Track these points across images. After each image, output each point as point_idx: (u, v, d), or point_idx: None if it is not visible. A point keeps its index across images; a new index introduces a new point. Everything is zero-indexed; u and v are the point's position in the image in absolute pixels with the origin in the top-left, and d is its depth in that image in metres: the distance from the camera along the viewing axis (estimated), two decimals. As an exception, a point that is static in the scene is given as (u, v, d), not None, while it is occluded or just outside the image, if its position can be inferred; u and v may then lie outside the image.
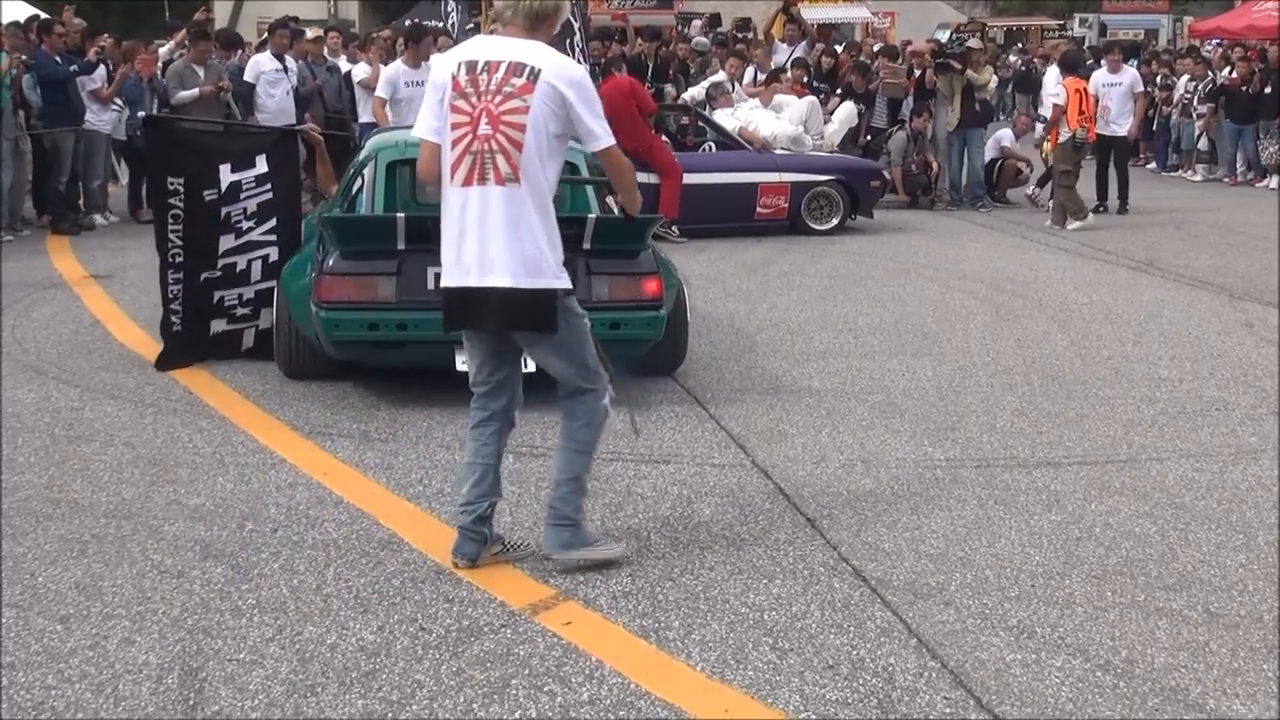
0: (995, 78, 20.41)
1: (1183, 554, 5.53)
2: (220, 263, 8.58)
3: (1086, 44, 26.95)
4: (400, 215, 7.55)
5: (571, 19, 17.02)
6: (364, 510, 5.95)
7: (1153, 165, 23.00)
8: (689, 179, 14.01)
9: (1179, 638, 4.74)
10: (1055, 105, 16.12)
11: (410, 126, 10.98)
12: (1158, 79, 22.96)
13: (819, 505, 6.03)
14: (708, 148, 15.22)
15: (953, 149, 17.48)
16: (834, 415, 7.56)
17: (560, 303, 5.12)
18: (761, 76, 17.61)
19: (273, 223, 8.65)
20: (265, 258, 8.64)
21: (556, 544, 5.27)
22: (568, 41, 16.82)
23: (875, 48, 22.32)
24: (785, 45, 19.57)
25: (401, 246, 7.43)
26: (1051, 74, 18.40)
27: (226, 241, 8.57)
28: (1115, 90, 17.18)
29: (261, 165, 8.64)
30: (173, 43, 16.88)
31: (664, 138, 14.73)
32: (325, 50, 17.32)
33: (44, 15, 18.43)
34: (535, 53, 5.03)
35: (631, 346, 7.73)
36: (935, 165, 17.49)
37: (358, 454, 6.79)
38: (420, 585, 5.12)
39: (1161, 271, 12.58)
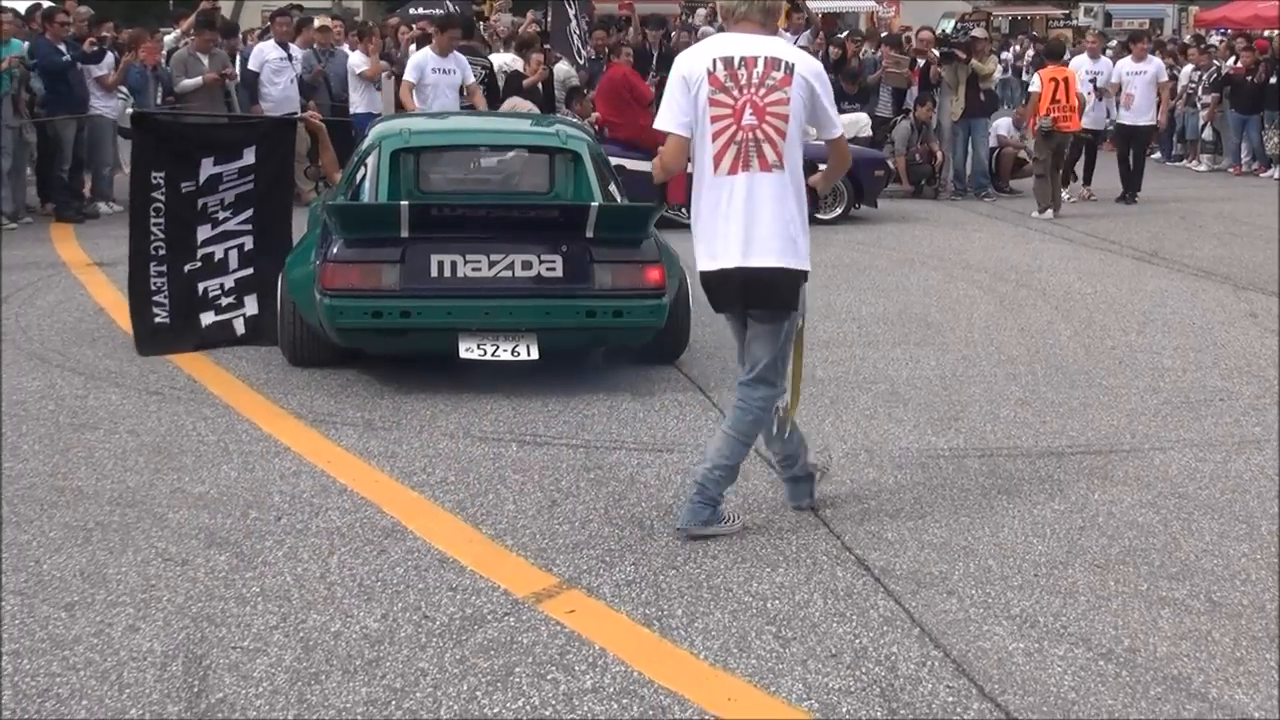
0: (1000, 67, 20.40)
1: (1185, 543, 5.54)
2: (199, 253, 8.66)
3: (1090, 32, 26.84)
4: (404, 203, 7.56)
5: (567, 5, 17.03)
6: (368, 498, 5.96)
7: (1157, 155, 22.96)
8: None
9: (1181, 627, 4.74)
10: (1030, 94, 16.22)
11: (436, 114, 10.98)
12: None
13: (822, 494, 6.03)
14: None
15: (957, 138, 17.46)
16: (837, 404, 7.56)
17: (803, 286, 5.41)
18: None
19: (249, 213, 8.73)
20: (241, 246, 8.74)
21: (697, 521, 5.49)
22: (566, 28, 16.81)
23: (883, 35, 22.31)
24: (790, 34, 19.52)
25: (405, 234, 7.47)
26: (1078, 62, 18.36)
27: (203, 232, 8.66)
28: (1140, 79, 17.20)
29: (249, 157, 8.72)
30: (178, 31, 16.88)
31: None
32: (332, 39, 17.29)
33: (48, 3, 18.43)
34: (784, 48, 5.49)
35: (634, 334, 7.79)
36: (939, 154, 17.47)
37: (362, 442, 6.80)
38: (424, 573, 5.13)
39: (1165, 261, 12.58)
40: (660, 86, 16.98)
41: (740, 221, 5.29)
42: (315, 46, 16.40)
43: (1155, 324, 9.78)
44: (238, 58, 16.34)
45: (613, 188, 8.52)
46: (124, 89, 15.18)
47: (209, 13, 16.08)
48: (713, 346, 8.85)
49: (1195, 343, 9.18)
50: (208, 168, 8.59)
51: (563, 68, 16.54)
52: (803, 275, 5.40)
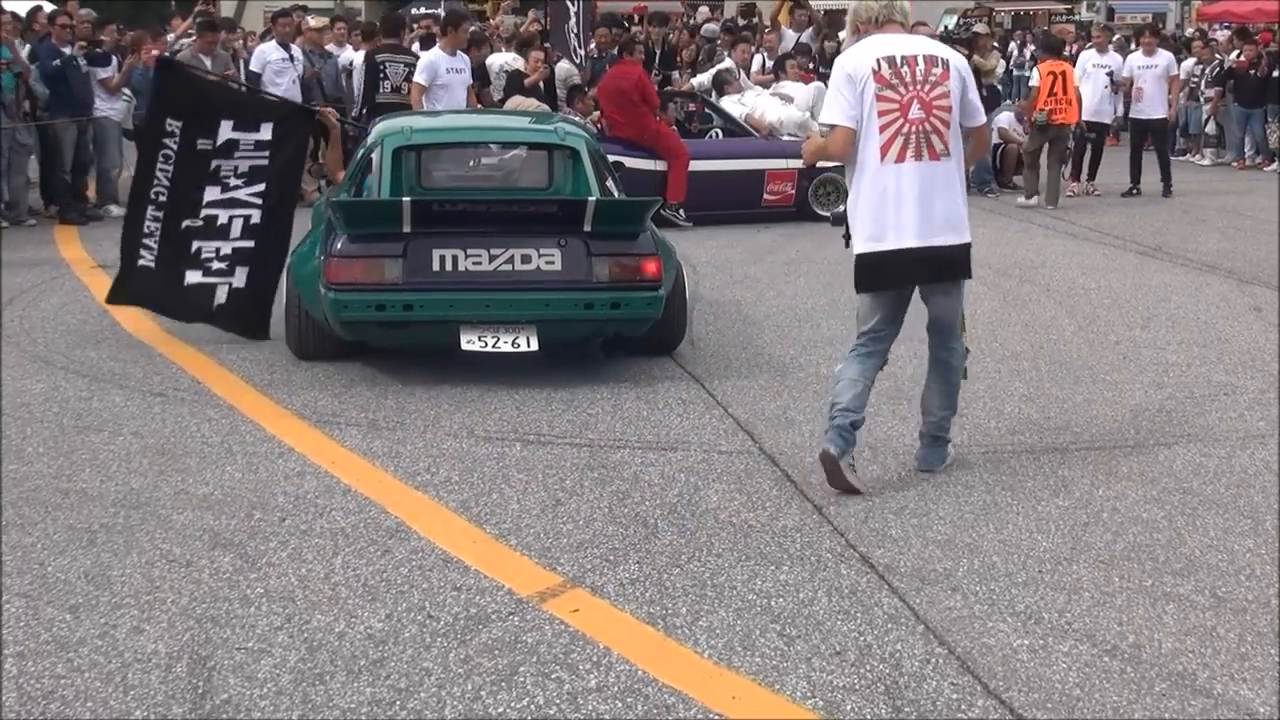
0: (1002, 62, 20.39)
1: (1190, 539, 5.53)
2: (203, 213, 8.73)
3: (1094, 27, 26.80)
4: (406, 199, 7.77)
5: (569, 4, 17.02)
6: (372, 499, 5.96)
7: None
8: (696, 165, 14.02)
9: (1186, 622, 4.74)
10: (1030, 88, 16.31)
11: (437, 112, 11.12)
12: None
13: (826, 492, 6.03)
14: (714, 134, 15.22)
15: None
16: (841, 402, 7.55)
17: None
18: (770, 63, 17.58)
19: (261, 186, 8.78)
20: (247, 218, 8.78)
21: (939, 459, 6.32)
22: (565, 26, 16.81)
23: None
24: (792, 32, 19.54)
25: (407, 230, 7.67)
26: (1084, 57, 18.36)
27: (212, 193, 8.72)
28: (1150, 73, 17.25)
29: (265, 132, 8.79)
30: (175, 33, 16.89)
31: (672, 126, 14.70)
32: (331, 39, 17.29)
33: (50, 6, 18.44)
34: (935, 45, 6.19)
35: (631, 325, 7.98)
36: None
37: (365, 442, 6.80)
38: (428, 573, 5.13)
39: (1169, 256, 12.57)
40: (664, 85, 17.04)
41: (914, 205, 5.85)
42: (310, 48, 16.42)
43: (1159, 319, 9.77)
44: (243, 62, 16.37)
45: (610, 183, 8.78)
46: (128, 91, 15.20)
47: (208, 14, 16.10)
48: (717, 345, 8.85)
49: (1199, 337, 9.17)
50: (226, 130, 8.69)
51: (564, 66, 16.54)
52: (971, 246, 6.08)
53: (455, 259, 7.68)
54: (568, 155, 8.61)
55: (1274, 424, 7.16)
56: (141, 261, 8.76)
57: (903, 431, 6.99)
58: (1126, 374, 8.21)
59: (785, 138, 15.03)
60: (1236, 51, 21.62)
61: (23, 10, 17.60)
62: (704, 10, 31.38)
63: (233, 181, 8.73)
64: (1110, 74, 17.40)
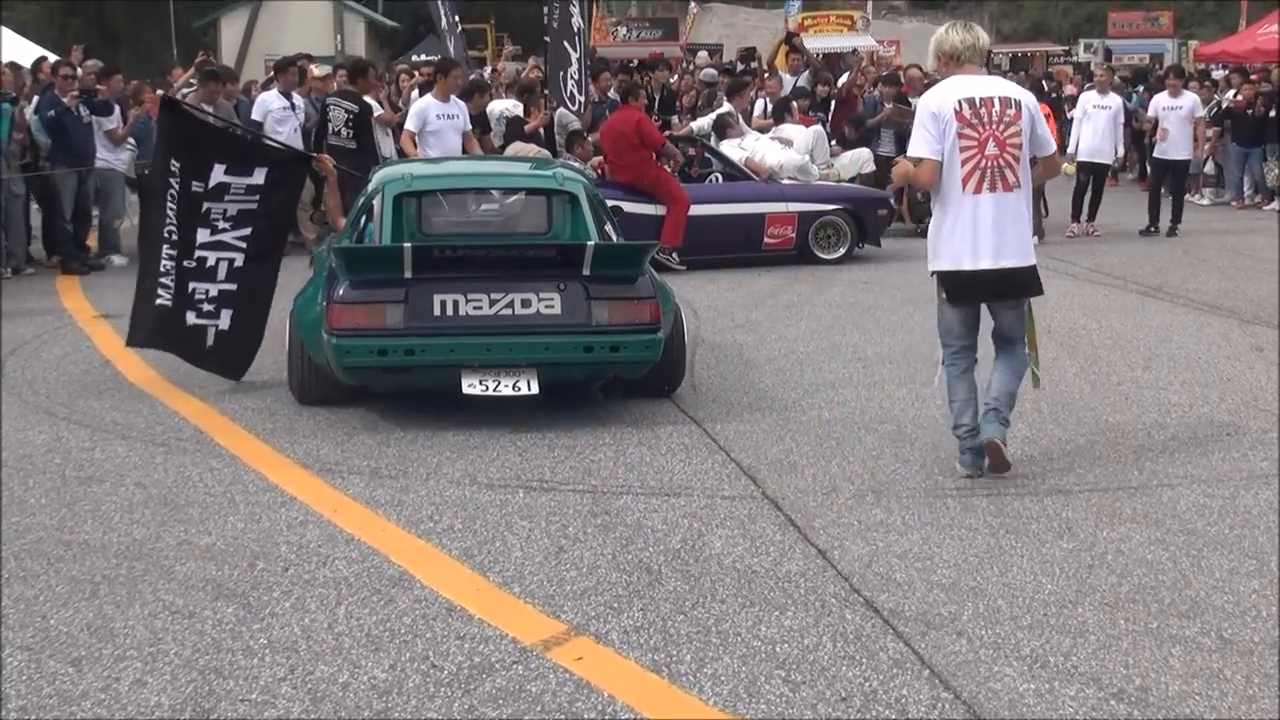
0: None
1: (1195, 580, 5.52)
2: (196, 254, 8.85)
3: (1092, 68, 26.90)
4: (407, 245, 7.82)
5: (570, 49, 17.10)
6: (375, 547, 5.95)
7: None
8: (697, 210, 14.05)
9: (1193, 665, 4.72)
10: None
11: (437, 159, 11.26)
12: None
13: (830, 536, 6.03)
14: (714, 179, 15.26)
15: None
16: (844, 445, 7.55)
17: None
18: (771, 107, 17.65)
19: (247, 231, 8.88)
20: (232, 261, 8.90)
21: (1001, 434, 6.83)
22: (563, 73, 16.88)
23: (882, 74, 22.39)
24: (789, 76, 19.62)
25: (408, 275, 7.75)
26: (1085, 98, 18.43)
27: (203, 235, 8.85)
28: (1175, 114, 17.38)
29: (258, 177, 8.88)
30: (176, 84, 16.98)
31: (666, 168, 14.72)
32: (334, 87, 17.35)
33: (53, 56, 18.54)
34: (1009, 87, 6.94)
35: (631, 368, 8.06)
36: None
37: (368, 491, 6.79)
38: (431, 622, 5.12)
39: (1170, 296, 12.58)
40: (663, 129, 17.10)
41: (990, 232, 6.61)
42: (313, 95, 16.49)
43: (1161, 359, 9.77)
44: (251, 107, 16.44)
45: (609, 227, 8.85)
46: (131, 140, 15.27)
47: (208, 64, 16.19)
48: (719, 390, 8.85)
49: (1201, 378, 9.17)
50: (218, 174, 8.80)
51: (564, 112, 16.61)
52: (1036, 267, 6.85)
53: (456, 304, 7.75)
54: (566, 200, 8.70)
55: (1277, 464, 7.15)
56: (159, 301, 8.87)
57: (905, 474, 6.98)
58: (1129, 415, 8.21)
59: (785, 181, 15.09)
60: (1234, 91, 21.69)
61: (28, 60, 17.73)
62: (703, 55, 31.54)
63: (221, 224, 8.85)
64: (1134, 116, 17.49)
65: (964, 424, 6.86)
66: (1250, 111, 20.58)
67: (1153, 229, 17.25)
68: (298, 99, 15.93)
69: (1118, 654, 4.80)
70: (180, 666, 4.74)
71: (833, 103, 18.95)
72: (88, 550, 5.93)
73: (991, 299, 6.85)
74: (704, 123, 17.22)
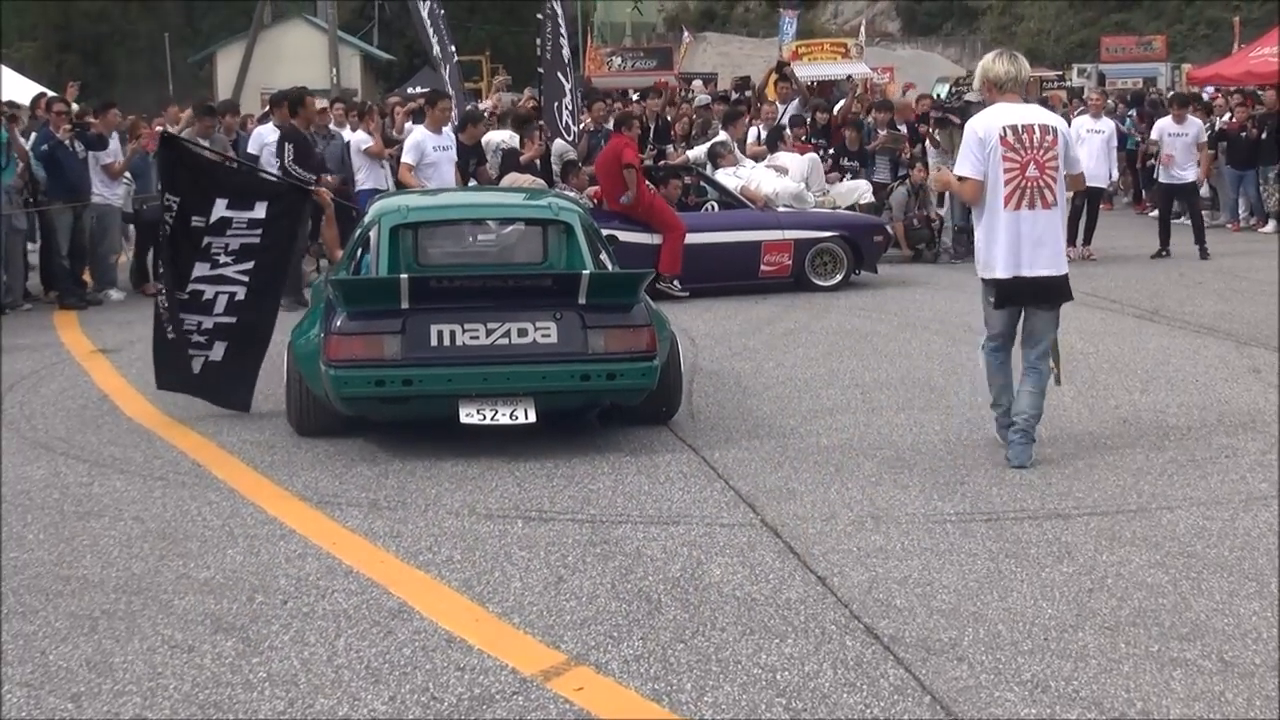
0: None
1: (1195, 603, 5.51)
2: (190, 288, 8.89)
3: (1095, 93, 26.91)
4: (404, 276, 7.87)
5: (563, 80, 17.15)
6: (374, 579, 5.94)
7: (1155, 213, 22.98)
8: (693, 238, 14.08)
9: (1194, 688, 4.71)
10: None
11: (433, 190, 11.36)
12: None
13: (829, 563, 6.02)
14: (710, 207, 15.30)
15: (954, 202, 17.53)
16: (842, 471, 7.55)
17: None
18: (765, 135, 17.70)
19: (250, 265, 8.92)
20: (232, 295, 8.94)
21: (1028, 457, 7.54)
22: (556, 105, 16.93)
23: (876, 100, 22.48)
24: (780, 104, 19.69)
25: (405, 306, 7.79)
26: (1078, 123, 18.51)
27: (200, 269, 8.88)
28: (1181, 140, 17.53)
29: (259, 211, 8.93)
30: (178, 127, 17.03)
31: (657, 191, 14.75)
32: (330, 120, 17.39)
33: (50, 93, 18.60)
34: (1047, 115, 7.82)
35: (627, 396, 8.11)
36: (937, 218, 17.54)
37: (367, 523, 6.79)
38: (431, 654, 5.11)
39: (1167, 319, 12.59)
40: (655, 159, 17.17)
41: (1031, 244, 7.43)
42: (312, 128, 16.50)
43: (1158, 382, 9.78)
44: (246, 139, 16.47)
45: (604, 256, 8.91)
46: (128, 175, 15.30)
47: (205, 100, 16.25)
48: (717, 417, 8.85)
49: (1199, 400, 9.18)
50: (220, 208, 8.85)
51: (560, 142, 16.65)
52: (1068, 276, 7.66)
53: (453, 334, 7.78)
54: (562, 230, 8.73)
55: (1275, 485, 7.15)
56: (169, 334, 8.99)
57: (904, 500, 6.98)
58: (1127, 438, 8.21)
59: (781, 209, 15.12)
60: (1228, 114, 21.75)
61: (28, 96, 17.79)
62: (698, 83, 31.66)
63: (223, 259, 8.88)
64: (1138, 141, 17.61)
65: (1001, 405, 7.77)
66: (1244, 134, 20.63)
67: (1164, 253, 17.29)
68: (294, 133, 15.93)
69: (1119, 678, 4.80)
70: (180, 701, 4.73)
71: (832, 128, 19.02)
72: (86, 585, 5.92)
73: (1030, 303, 7.62)
74: (699, 151, 17.27)
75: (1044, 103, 20.93)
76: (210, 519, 6.88)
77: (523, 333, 7.82)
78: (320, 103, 18.77)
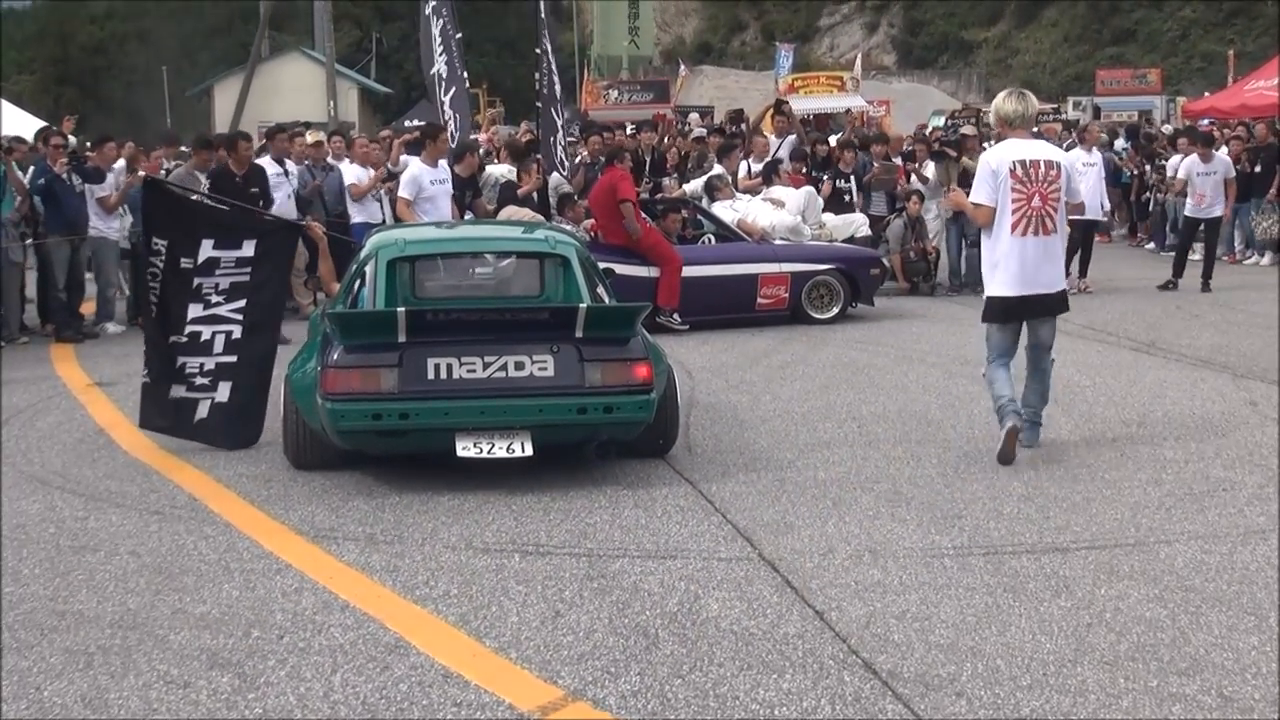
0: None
1: (1194, 638, 5.50)
2: (187, 329, 8.94)
3: (1093, 125, 27.00)
4: (401, 310, 7.86)
5: (555, 116, 17.16)
6: (370, 614, 5.92)
7: (1151, 245, 23.08)
8: (689, 271, 14.10)
9: (1194, 724, 4.70)
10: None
11: (429, 223, 11.36)
12: (1154, 159, 23.13)
13: (827, 597, 6.01)
14: (707, 240, 15.32)
15: (950, 235, 17.58)
16: (840, 505, 7.54)
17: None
18: (757, 168, 17.73)
19: (242, 303, 8.98)
20: (228, 334, 9.00)
21: (1037, 437, 8.77)
22: (552, 139, 16.95)
23: (871, 133, 22.56)
24: (775, 138, 19.73)
25: (402, 339, 7.78)
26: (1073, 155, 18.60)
27: (194, 310, 8.94)
28: (1210, 179, 17.63)
29: (248, 249, 9.01)
30: (173, 162, 17.06)
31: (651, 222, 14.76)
32: (329, 153, 17.42)
33: (52, 126, 18.64)
34: (1052, 150, 8.91)
35: (624, 429, 8.10)
36: (933, 251, 17.57)
37: (363, 557, 6.77)
38: (428, 689, 5.09)
39: (1163, 352, 12.60)
40: (652, 192, 17.22)
41: (1034, 265, 8.40)
42: (309, 162, 16.56)
43: (1155, 415, 9.78)
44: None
45: (601, 289, 8.92)
46: (125, 208, 15.31)
47: (204, 134, 16.29)
48: (715, 451, 8.84)
49: (1196, 433, 9.17)
50: (207, 249, 8.92)
51: (555, 176, 16.69)
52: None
53: (450, 367, 7.78)
54: (559, 263, 8.72)
55: (1274, 519, 7.14)
56: (144, 378, 9.02)
57: (902, 534, 6.97)
58: (1124, 471, 8.20)
59: (777, 242, 15.15)
60: (1224, 146, 21.80)
61: (29, 133, 17.82)
62: (694, 116, 31.76)
63: (214, 299, 8.94)
64: (1159, 175, 17.69)
65: (1005, 395, 8.52)
66: (1238, 166, 20.67)
67: (1173, 285, 17.31)
68: (291, 165, 16.00)
69: (1118, 713, 4.78)
70: (175, 737, 4.70)
71: (833, 160, 19.07)
72: (82, 620, 5.89)
73: (1031, 316, 8.57)
74: (696, 185, 17.31)
75: (1038, 136, 21.04)
76: (206, 553, 6.86)
77: (520, 366, 7.82)
78: (318, 135, 18.85)
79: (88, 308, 15.37)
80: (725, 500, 7.66)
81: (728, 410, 10.17)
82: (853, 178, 18.31)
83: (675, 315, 13.96)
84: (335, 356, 7.83)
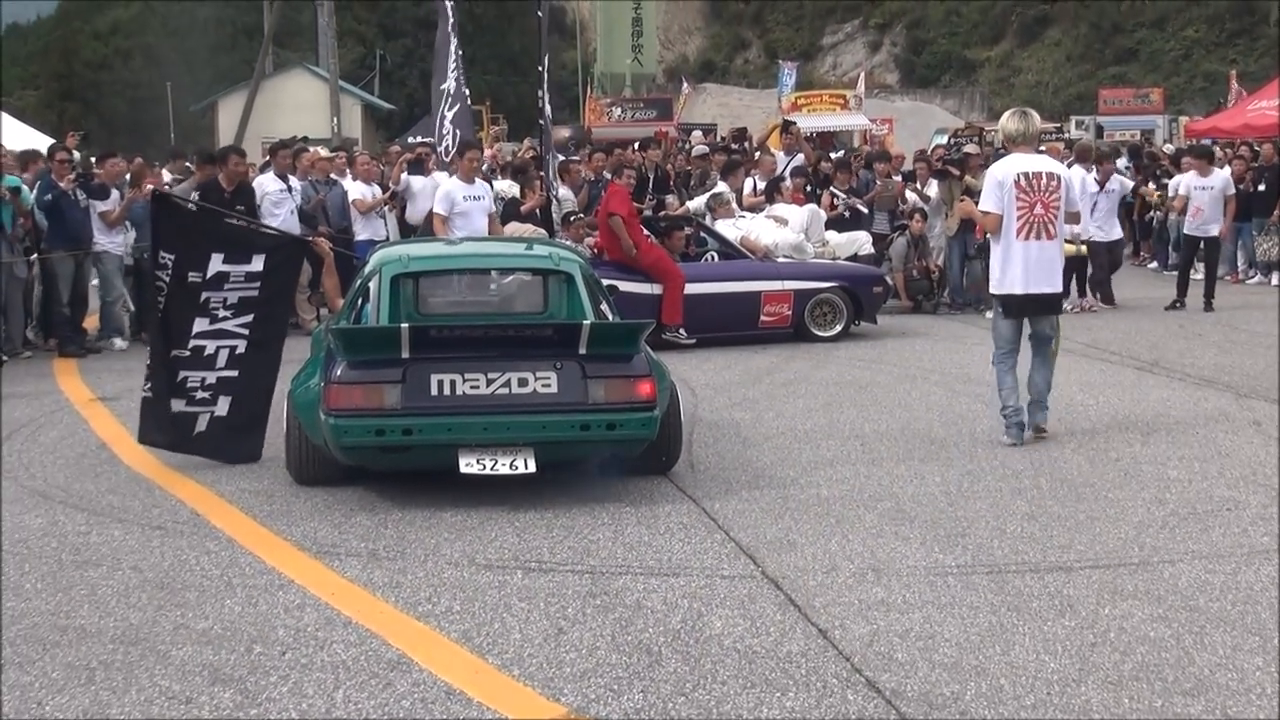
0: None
1: (1199, 658, 5.48)
2: (191, 344, 8.93)
3: (1099, 145, 27.04)
4: (404, 326, 7.87)
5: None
6: (373, 630, 5.91)
7: (1154, 264, 23.09)
8: (692, 288, 14.11)
9: (1198, 744, 4.68)
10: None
11: (433, 239, 11.38)
12: (1156, 178, 23.15)
13: (830, 615, 5.99)
14: (710, 257, 15.33)
15: (953, 253, 17.58)
16: (843, 523, 7.53)
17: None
18: (762, 185, 17.75)
19: (249, 318, 9.00)
20: (234, 349, 9.01)
21: (1045, 418, 9.67)
22: (553, 156, 16.93)
23: (873, 151, 22.60)
24: (783, 155, 19.77)
25: (405, 355, 7.79)
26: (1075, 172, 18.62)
27: (200, 324, 8.94)
28: (1208, 194, 17.61)
29: (257, 264, 9.02)
30: (173, 176, 17.09)
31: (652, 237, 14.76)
32: (333, 168, 17.45)
33: (54, 141, 18.67)
34: (1053, 164, 9.80)
35: (627, 446, 8.11)
36: (936, 269, 17.57)
37: (366, 573, 6.76)
38: (430, 706, 5.08)
39: (1167, 371, 12.59)
40: (655, 209, 17.21)
41: (1035, 267, 9.30)
42: (313, 178, 16.58)
43: (1159, 434, 9.77)
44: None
45: (604, 306, 8.94)
46: (127, 223, 15.32)
47: (207, 149, 16.31)
48: (718, 468, 8.83)
49: (1200, 452, 9.16)
50: (216, 263, 8.93)
51: (563, 191, 16.68)
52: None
53: (453, 383, 7.78)
54: (562, 280, 8.74)
55: (1278, 539, 7.12)
56: (145, 393, 8.98)
57: (905, 552, 6.96)
58: (1128, 490, 8.19)
59: (781, 259, 15.16)
60: (1227, 166, 21.80)
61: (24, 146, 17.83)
62: (697, 134, 31.78)
63: (221, 313, 8.94)
64: (1159, 194, 17.71)
65: (1010, 405, 9.41)
66: (1241, 186, 20.67)
67: (1179, 304, 17.30)
68: (294, 181, 16.03)
69: (1122, 733, 4.77)
70: (177, 753, 4.69)
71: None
72: (84, 635, 5.89)
73: (1032, 313, 9.48)
74: (699, 202, 17.32)
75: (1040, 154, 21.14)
76: (209, 569, 6.85)
77: (523, 382, 7.82)
78: (321, 151, 18.87)
79: (90, 322, 15.39)
80: (728, 518, 7.65)
81: (730, 427, 10.16)
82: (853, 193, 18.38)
83: (681, 330, 13.97)
84: (339, 372, 7.83)
